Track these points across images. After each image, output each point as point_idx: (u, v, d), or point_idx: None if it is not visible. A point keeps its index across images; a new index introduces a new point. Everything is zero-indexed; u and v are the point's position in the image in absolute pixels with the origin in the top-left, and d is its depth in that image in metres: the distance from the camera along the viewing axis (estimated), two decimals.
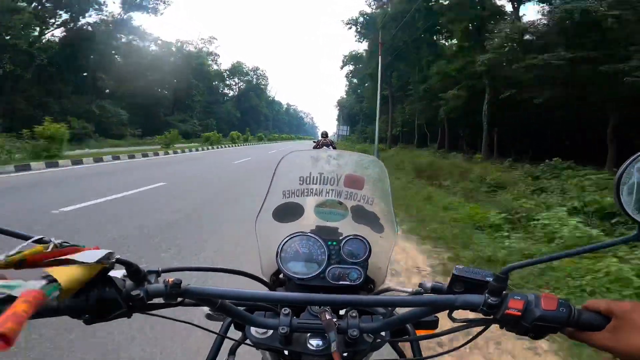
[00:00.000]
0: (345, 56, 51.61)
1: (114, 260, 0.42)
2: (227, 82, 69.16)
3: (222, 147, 26.85)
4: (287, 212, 0.74)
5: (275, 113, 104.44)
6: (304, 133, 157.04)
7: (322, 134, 9.89)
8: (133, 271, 0.45)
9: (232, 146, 30.47)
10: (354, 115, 58.80)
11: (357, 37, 31.64)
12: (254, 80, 73.08)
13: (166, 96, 40.69)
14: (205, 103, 55.43)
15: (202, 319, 0.64)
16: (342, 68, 53.91)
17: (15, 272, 0.35)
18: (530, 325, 0.45)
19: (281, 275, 0.74)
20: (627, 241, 0.44)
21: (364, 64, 38.47)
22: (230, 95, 71.10)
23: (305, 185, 0.74)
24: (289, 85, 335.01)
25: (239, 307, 0.55)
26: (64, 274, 0.35)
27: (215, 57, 61.88)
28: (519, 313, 0.45)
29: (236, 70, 69.15)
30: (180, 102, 43.05)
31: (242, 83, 71.66)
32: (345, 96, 76.19)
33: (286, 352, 0.58)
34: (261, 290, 0.65)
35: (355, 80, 53.38)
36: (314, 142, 11.39)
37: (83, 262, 0.38)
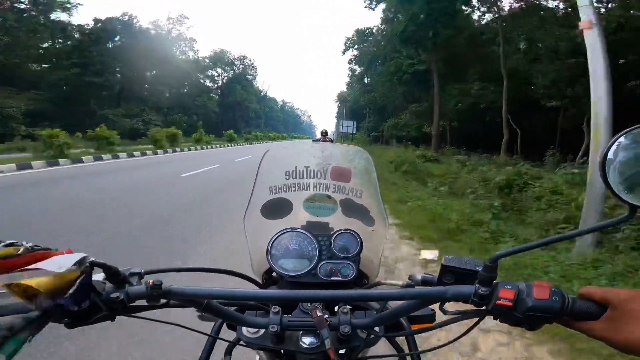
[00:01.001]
0: (348, 38, 42.05)
1: (88, 264, 0.41)
2: (209, 73, 58.78)
3: (103, 160, 12.63)
4: (276, 208, 0.72)
5: (269, 110, 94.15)
6: (302, 132, 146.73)
7: (321, 132, 9.83)
8: (112, 274, 0.45)
9: (140, 156, 15.37)
10: (359, 109, 48.39)
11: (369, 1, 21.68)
12: (240, 70, 62.49)
13: (104, 85, 30.12)
14: (177, 95, 45.35)
15: (196, 320, 0.62)
16: (344, 52, 44.62)
17: None
18: (523, 316, 0.43)
19: (273, 274, 0.72)
20: (618, 223, 0.42)
21: (376, 43, 28.61)
22: (213, 88, 60.76)
23: (292, 179, 0.72)
24: (286, 83, 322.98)
25: (229, 307, 0.54)
26: (42, 284, 0.36)
27: (190, 42, 51.79)
28: (510, 303, 0.44)
29: (219, 59, 58.75)
30: (130, 92, 32.69)
31: (226, 74, 61.18)
32: (346, 90, 66.72)
33: (282, 351, 0.58)
34: (252, 289, 0.64)
35: (358, 70, 43.50)
36: (313, 141, 10.77)
37: (55, 271, 0.37)
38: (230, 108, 63.33)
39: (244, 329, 0.55)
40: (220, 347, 0.63)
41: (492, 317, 0.47)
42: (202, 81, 57.36)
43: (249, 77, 65.04)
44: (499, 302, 0.44)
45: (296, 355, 0.55)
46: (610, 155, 0.40)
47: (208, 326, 0.64)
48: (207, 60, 56.54)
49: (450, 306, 0.50)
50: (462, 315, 0.50)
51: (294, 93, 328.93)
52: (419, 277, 0.55)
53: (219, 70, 59.84)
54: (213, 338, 0.62)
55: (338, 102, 73.08)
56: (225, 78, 61.09)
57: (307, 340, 0.52)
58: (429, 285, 0.54)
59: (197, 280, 0.59)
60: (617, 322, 0.40)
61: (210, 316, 0.60)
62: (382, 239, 0.74)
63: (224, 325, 0.64)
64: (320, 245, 0.68)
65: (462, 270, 0.48)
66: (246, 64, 63.85)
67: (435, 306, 0.53)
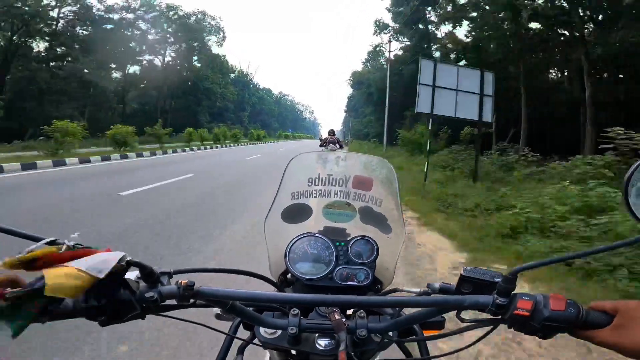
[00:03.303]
0: None
1: (125, 262, 0.42)
2: (136, 33, 35.21)
3: None
4: (296, 213, 0.74)
5: (257, 101, 70.38)
6: (304, 130, 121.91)
7: (329, 132, 9.92)
8: (147, 273, 0.46)
9: None
10: (399, 88, 24.28)
11: None
12: (195, 37, 38.37)
13: None
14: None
15: (211, 319, 0.64)
16: None
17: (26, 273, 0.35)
18: (539, 326, 0.45)
19: (289, 276, 0.74)
20: (635, 242, 0.42)
21: None
22: (150, 59, 37.20)
23: (314, 186, 0.75)
24: (286, 76, 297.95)
25: (248, 308, 0.56)
26: (78, 277, 0.37)
27: None
28: (528, 313, 0.45)
29: (149, 6, 34.76)
30: None
31: (172, 38, 37.26)
32: (363, 66, 43.24)
33: (294, 352, 0.59)
34: (269, 290, 0.65)
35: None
36: (320, 139, 11.41)
37: (91, 273, 0.38)
38: (187, 93, 39.84)
39: (262, 330, 0.57)
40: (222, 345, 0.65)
41: (506, 325, 0.48)
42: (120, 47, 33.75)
43: (208, 42, 40.84)
44: (516, 312, 0.45)
45: (310, 356, 0.56)
46: (633, 177, 0.41)
47: (224, 325, 0.65)
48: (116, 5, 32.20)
49: (464, 315, 0.52)
50: (478, 323, 0.52)
51: (297, 88, 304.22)
52: (436, 285, 0.57)
53: (154, 32, 35.82)
54: (230, 337, 0.64)
55: (353, 89, 49.37)
56: (174, 43, 37.27)
57: (323, 343, 0.54)
58: (446, 294, 0.55)
59: (204, 280, 0.54)
60: (625, 328, 0.42)
61: (229, 316, 0.64)
62: (398, 247, 0.75)
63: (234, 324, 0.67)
64: (337, 250, 0.69)
65: (480, 280, 0.49)
66: (207, 25, 39.81)
67: (450, 314, 0.55)
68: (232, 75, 61.34)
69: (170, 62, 38.16)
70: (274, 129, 72.09)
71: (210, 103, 43.69)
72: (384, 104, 28.35)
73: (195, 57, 39.15)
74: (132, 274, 0.46)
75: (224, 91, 44.04)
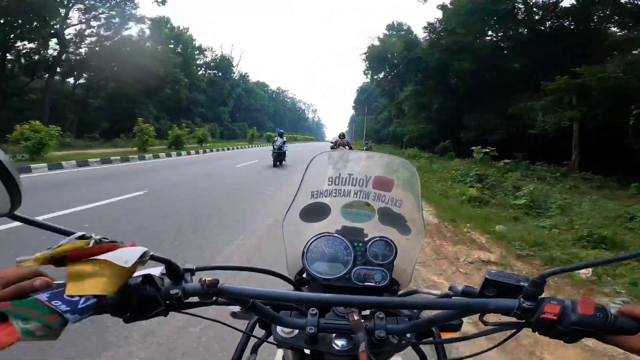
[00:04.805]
0: None
1: (148, 258, 0.42)
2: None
3: None
4: (315, 212, 0.74)
5: (245, 94, 56.73)
6: (308, 131, 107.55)
7: (339, 134, 11.11)
8: (172, 270, 0.46)
9: None
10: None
11: None
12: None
13: None
14: None
15: (226, 317, 0.64)
16: None
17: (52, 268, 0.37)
18: (567, 330, 0.45)
19: (305, 275, 0.74)
20: None
21: None
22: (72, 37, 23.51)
23: (334, 185, 0.75)
24: (288, 74, 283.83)
25: (266, 306, 0.56)
26: (106, 272, 0.38)
27: None
28: (555, 317, 0.46)
29: None
30: None
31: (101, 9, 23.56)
32: (384, 37, 29.91)
33: (307, 352, 0.60)
34: (286, 289, 0.66)
35: None
36: (331, 142, 12.19)
37: (117, 263, 0.39)
38: (116, 75, 26.18)
39: (279, 329, 0.57)
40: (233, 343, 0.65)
41: (531, 329, 0.48)
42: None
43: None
44: (543, 315, 0.45)
45: (325, 356, 0.56)
46: None
47: (241, 324, 0.65)
48: None
49: (486, 318, 0.52)
50: (502, 327, 0.51)
51: (300, 88, 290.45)
52: (459, 287, 0.56)
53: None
54: (247, 335, 0.64)
55: (366, 75, 35.94)
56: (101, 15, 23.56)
57: (340, 343, 0.54)
58: (469, 297, 0.54)
59: (222, 277, 0.54)
60: None
61: (245, 315, 0.65)
62: (417, 249, 0.74)
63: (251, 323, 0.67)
64: (355, 250, 0.69)
65: (506, 284, 0.49)
66: None
67: (468, 317, 0.55)
68: (207, 59, 47.75)
69: (79, 33, 24.58)
70: (266, 128, 58.25)
71: (164, 93, 30.13)
72: (449, 75, 14.64)
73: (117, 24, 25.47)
74: (155, 270, 0.46)
75: (175, 73, 30.25)
